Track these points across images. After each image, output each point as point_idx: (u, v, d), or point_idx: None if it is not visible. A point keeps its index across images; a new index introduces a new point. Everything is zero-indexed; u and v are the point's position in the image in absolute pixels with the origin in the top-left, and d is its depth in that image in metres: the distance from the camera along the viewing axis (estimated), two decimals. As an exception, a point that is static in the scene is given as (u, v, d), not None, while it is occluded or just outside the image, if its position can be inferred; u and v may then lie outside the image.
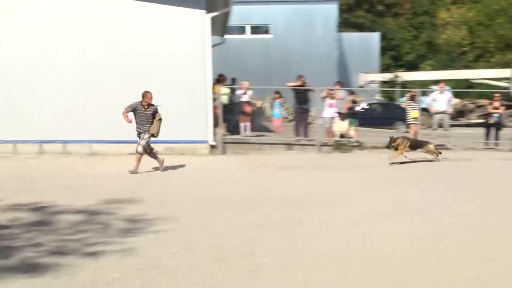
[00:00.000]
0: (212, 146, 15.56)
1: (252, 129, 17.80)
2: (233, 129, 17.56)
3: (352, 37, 39.53)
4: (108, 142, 14.72)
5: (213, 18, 15.56)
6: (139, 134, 11.93)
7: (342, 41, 35.36)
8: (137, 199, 8.68)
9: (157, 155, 12.27)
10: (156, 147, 15.06)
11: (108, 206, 8.17)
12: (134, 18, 15.45)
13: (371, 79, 36.05)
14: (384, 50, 44.96)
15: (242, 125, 17.53)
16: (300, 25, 31.63)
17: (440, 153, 13.76)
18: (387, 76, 38.03)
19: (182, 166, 12.99)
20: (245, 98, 17.68)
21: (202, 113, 15.37)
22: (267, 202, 8.70)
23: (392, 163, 12.89)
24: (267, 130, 19.73)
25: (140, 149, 11.79)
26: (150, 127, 11.87)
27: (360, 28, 48.53)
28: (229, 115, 17.59)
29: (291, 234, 6.74)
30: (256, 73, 26.08)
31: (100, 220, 7.31)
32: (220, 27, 19.28)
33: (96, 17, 15.38)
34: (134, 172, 11.65)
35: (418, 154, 13.66)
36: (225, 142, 15.84)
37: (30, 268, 5.33)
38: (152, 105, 11.92)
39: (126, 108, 11.89)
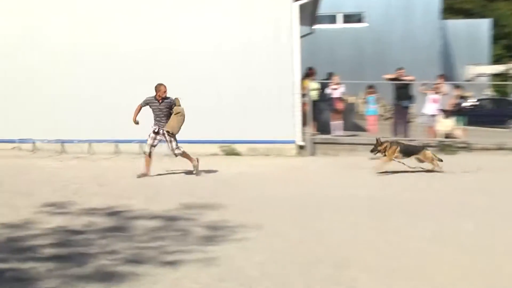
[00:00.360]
0: (300, 147, 15.49)
1: (344, 128, 17.57)
2: (323, 128, 17.40)
3: (458, 25, 38.33)
4: (187, 142, 14.95)
5: (301, 6, 15.50)
6: (157, 129, 11.71)
7: (446, 29, 34.37)
8: (218, 204, 8.72)
9: (151, 164, 11.78)
10: (239, 148, 15.27)
11: (187, 212, 8.26)
12: (214, 8, 15.63)
13: (480, 71, 34.83)
14: (495, 38, 43.30)
15: (333, 123, 17.34)
16: (398, 13, 30.98)
17: (440, 160, 12.38)
18: (499, 68, 36.62)
19: (267, 168, 12.98)
20: (336, 94, 17.49)
21: (289, 111, 15.34)
22: (360, 208, 8.53)
23: (380, 172, 12.02)
24: (361, 129, 19.44)
25: (177, 152, 11.70)
26: None
27: (467, 14, 47.02)
28: (319, 113, 17.43)
29: (387, 244, 6.54)
30: (348, 66, 25.80)
31: (178, 227, 7.38)
32: (309, 16, 19.17)
33: (177, 11, 15.68)
34: (197, 173, 11.73)
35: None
36: (314, 142, 15.72)
37: (106, 277, 5.42)
38: (168, 98, 11.76)
39: (140, 104, 11.85)
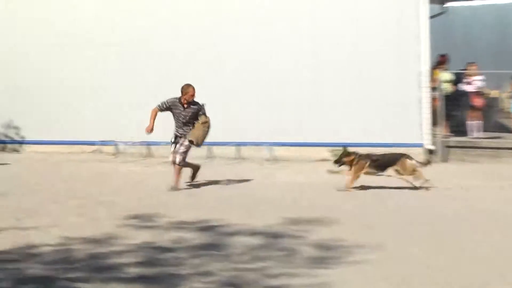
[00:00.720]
0: (430, 151, 15.19)
1: (485, 129, 17.08)
2: (458, 128, 16.99)
3: None
4: (291, 144, 15.03)
5: (430, -20, 15.26)
6: (176, 138, 11.76)
7: None
8: (330, 220, 8.70)
9: (192, 163, 12.04)
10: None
11: (292, 227, 8.29)
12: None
13: None
14: None
15: (470, 123, 16.89)
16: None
17: (427, 163, 11.78)
18: None
19: (388, 177, 12.82)
20: (473, 87, 17.04)
21: (415, 107, 15.10)
22: (506, 228, 8.29)
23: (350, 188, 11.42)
24: (506, 130, 18.82)
25: (178, 159, 11.56)
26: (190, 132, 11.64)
27: None
28: (453, 110, 17.03)
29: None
30: (489, 52, 24.99)
31: (283, 245, 7.42)
32: (440, -9, 18.84)
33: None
34: (175, 188, 11.53)
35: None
36: (446, 146, 15.40)
37: (199, 302, 5.53)
38: (195, 103, 11.67)
39: (158, 105, 11.81)
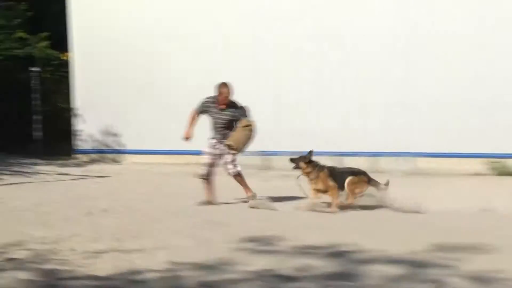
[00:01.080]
0: None
1: None
2: None
3: None
4: (431, 155, 14.88)
5: None
6: (215, 145, 12.00)
7: None
8: (487, 246, 8.52)
9: (213, 188, 12.34)
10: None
11: (441, 255, 8.15)
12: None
13: None
14: None
15: None
16: None
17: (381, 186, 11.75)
18: None
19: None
20: None
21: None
22: None
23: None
24: None
25: (233, 170, 11.96)
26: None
27: None
28: None
29: None
30: None
31: (430, 276, 7.30)
32: None
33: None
34: (253, 198, 11.95)
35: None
36: None
37: None
38: (235, 105, 11.77)
39: (196, 108, 11.98)
